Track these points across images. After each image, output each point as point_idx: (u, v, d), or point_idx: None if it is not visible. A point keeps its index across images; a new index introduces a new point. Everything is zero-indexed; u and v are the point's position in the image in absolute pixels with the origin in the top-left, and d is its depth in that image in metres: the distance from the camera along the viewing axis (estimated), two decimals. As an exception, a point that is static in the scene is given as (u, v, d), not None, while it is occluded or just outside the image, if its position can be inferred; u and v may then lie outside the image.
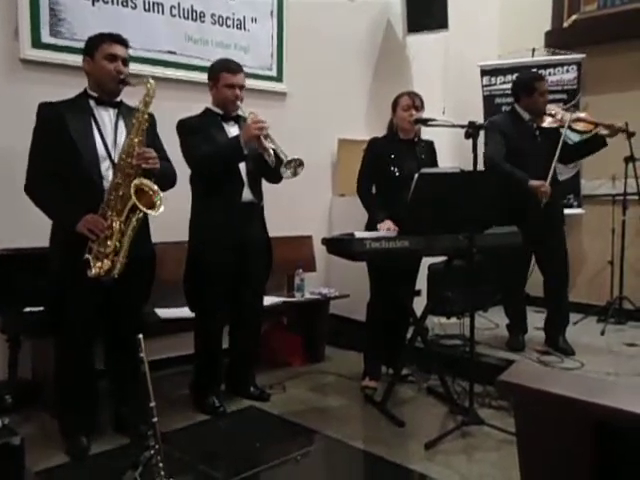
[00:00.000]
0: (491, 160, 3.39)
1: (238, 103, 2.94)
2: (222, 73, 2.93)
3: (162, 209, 2.43)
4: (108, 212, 2.39)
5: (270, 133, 2.81)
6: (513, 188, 3.37)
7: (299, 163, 2.77)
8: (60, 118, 2.43)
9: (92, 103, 2.51)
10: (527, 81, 3.67)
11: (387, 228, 2.92)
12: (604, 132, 3.51)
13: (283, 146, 2.80)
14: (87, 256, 2.37)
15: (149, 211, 2.40)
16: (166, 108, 2.77)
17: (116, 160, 2.45)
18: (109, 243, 2.37)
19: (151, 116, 2.65)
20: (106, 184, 2.44)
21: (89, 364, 2.59)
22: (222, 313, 3.05)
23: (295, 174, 2.80)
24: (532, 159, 3.48)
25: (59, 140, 2.42)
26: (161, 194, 2.44)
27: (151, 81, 2.45)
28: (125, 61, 2.53)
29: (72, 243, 2.40)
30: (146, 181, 2.42)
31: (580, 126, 3.57)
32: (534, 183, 3.40)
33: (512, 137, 3.55)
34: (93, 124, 2.48)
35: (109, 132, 2.51)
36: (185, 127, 2.89)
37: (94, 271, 2.36)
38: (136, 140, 2.41)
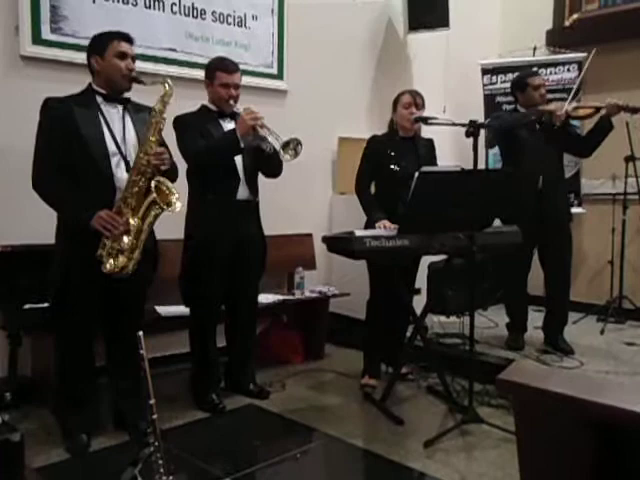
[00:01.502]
0: (495, 117, 3.49)
1: (231, 102, 2.94)
2: (218, 72, 2.93)
3: (179, 206, 2.48)
4: (124, 209, 2.41)
5: (265, 122, 2.81)
6: (521, 123, 3.52)
7: (297, 143, 2.75)
8: (68, 113, 2.43)
9: (99, 99, 2.52)
10: (519, 78, 3.72)
11: (383, 226, 2.93)
12: (603, 112, 3.48)
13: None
14: (100, 252, 2.39)
15: (167, 208, 2.44)
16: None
17: (128, 156, 2.49)
18: (126, 240, 2.40)
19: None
20: (117, 179, 2.46)
21: (89, 361, 2.60)
22: (216, 310, 3.07)
23: (296, 155, 2.77)
24: (531, 153, 3.49)
25: (68, 135, 2.42)
26: (176, 194, 2.48)
27: (169, 81, 2.49)
28: (133, 59, 2.55)
29: (78, 239, 2.41)
30: (163, 179, 2.47)
31: (580, 112, 3.56)
32: (547, 107, 3.43)
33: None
34: (102, 120, 2.49)
35: (118, 128, 2.52)
36: (181, 122, 2.89)
37: (108, 267, 2.38)
38: (153, 139, 2.45)
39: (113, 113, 2.53)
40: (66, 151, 2.42)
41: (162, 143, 2.58)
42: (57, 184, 2.43)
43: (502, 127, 3.54)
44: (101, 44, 2.51)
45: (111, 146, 2.47)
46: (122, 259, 2.40)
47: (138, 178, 2.43)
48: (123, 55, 2.50)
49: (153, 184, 2.43)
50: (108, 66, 2.49)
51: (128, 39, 2.54)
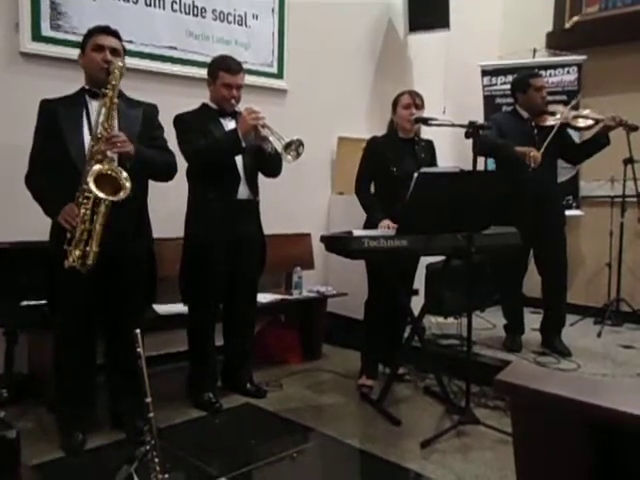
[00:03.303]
0: (483, 138, 3.45)
1: (233, 102, 2.93)
2: (221, 72, 2.92)
3: (128, 186, 2.31)
4: (82, 201, 2.34)
5: (266, 122, 2.81)
6: (502, 156, 3.51)
7: (299, 143, 2.74)
8: (54, 115, 2.44)
9: (87, 97, 2.51)
10: (521, 78, 3.71)
11: (387, 226, 2.93)
12: (604, 124, 3.48)
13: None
14: (65, 247, 2.35)
15: (109, 197, 2.29)
16: (167, 103, 2.77)
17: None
18: (78, 232, 2.32)
19: (154, 106, 2.67)
20: None
21: (87, 359, 2.59)
22: (215, 308, 3.07)
23: (298, 156, 2.76)
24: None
25: (51, 136, 2.43)
26: (124, 174, 2.33)
27: (118, 64, 2.42)
28: (116, 51, 2.50)
29: (63, 236, 2.39)
30: (106, 165, 2.33)
31: (580, 123, 3.56)
32: (521, 148, 3.41)
33: (509, 134, 3.56)
34: (84, 117, 2.48)
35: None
36: (182, 121, 2.88)
37: (70, 261, 2.32)
38: (105, 125, 2.38)
39: (97, 108, 2.48)
40: (49, 152, 2.43)
41: (150, 134, 2.54)
42: (41, 182, 2.45)
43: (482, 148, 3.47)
44: (84, 41, 2.52)
45: (89, 143, 2.41)
46: (78, 252, 2.33)
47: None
48: (100, 47, 2.47)
49: (92, 175, 2.28)
50: (87, 61, 2.50)
51: (107, 31, 2.51)
